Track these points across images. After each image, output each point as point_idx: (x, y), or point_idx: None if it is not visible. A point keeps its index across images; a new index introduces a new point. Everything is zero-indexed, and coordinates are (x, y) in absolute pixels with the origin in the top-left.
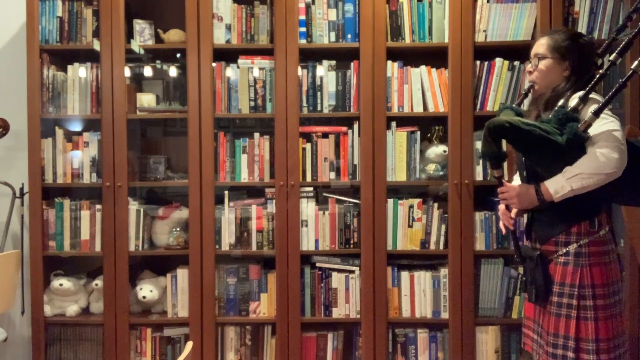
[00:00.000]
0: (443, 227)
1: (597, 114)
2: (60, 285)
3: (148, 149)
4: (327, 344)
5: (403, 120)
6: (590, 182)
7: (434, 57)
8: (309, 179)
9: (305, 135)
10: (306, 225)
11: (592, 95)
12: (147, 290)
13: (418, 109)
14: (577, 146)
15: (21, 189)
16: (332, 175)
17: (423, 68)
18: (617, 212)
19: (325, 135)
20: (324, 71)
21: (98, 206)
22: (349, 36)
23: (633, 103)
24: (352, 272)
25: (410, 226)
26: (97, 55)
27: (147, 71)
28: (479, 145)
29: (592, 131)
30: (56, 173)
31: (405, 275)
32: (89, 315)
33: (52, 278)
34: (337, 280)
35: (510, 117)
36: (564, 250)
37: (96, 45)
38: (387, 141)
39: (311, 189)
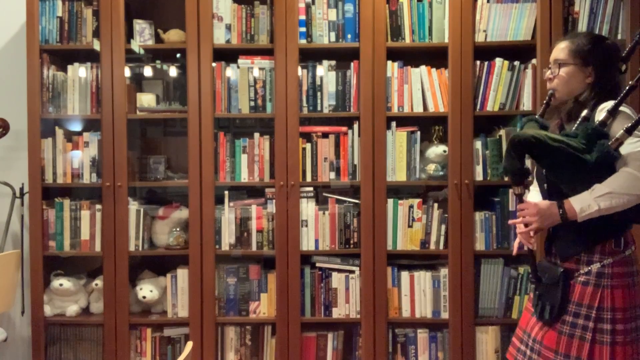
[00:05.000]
0: (443, 227)
1: (629, 131)
2: (60, 285)
3: (148, 149)
4: (327, 344)
5: (403, 120)
6: (619, 202)
7: (434, 57)
8: (309, 179)
9: (305, 135)
10: (306, 225)
11: (622, 108)
12: (147, 290)
13: (418, 109)
14: (606, 165)
15: (21, 189)
16: (332, 175)
17: (423, 68)
18: None
19: (325, 135)
20: (324, 71)
21: (98, 206)
22: (349, 36)
23: (633, 103)
24: (352, 272)
25: (410, 226)
26: (97, 55)
27: (147, 71)
28: (479, 145)
29: (623, 150)
30: (56, 173)
31: (405, 275)
32: (89, 315)
33: (52, 278)
34: (337, 280)
35: (537, 131)
36: (586, 270)
37: (96, 45)
38: (387, 141)
39: (311, 189)
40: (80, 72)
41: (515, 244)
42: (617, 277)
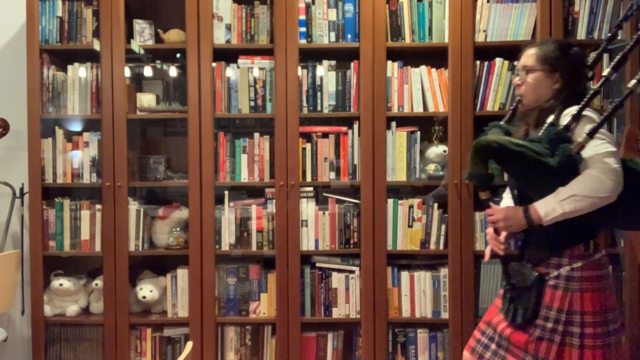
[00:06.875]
0: (443, 227)
1: (591, 135)
2: (60, 285)
3: (148, 149)
4: (327, 344)
5: (403, 120)
6: (583, 205)
7: (434, 57)
8: (309, 179)
9: (305, 135)
10: (306, 225)
11: (586, 113)
12: (147, 290)
13: (418, 109)
14: (569, 169)
15: (21, 189)
16: (332, 175)
17: (423, 68)
18: None
19: (325, 135)
20: (324, 71)
21: (98, 206)
22: (349, 36)
23: (633, 103)
24: (352, 272)
25: (410, 226)
26: (97, 55)
27: (147, 71)
28: None
29: (586, 153)
30: (56, 173)
31: (405, 275)
32: (89, 315)
33: (52, 278)
34: (337, 280)
35: (499, 137)
36: (556, 273)
37: (96, 45)
38: (387, 141)
39: (311, 189)
40: (80, 72)
41: (487, 251)
42: (586, 281)
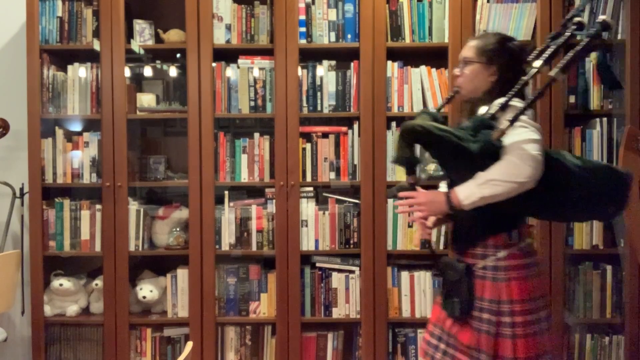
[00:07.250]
0: (443, 227)
1: (512, 122)
2: (60, 285)
3: (148, 149)
4: (327, 344)
5: (403, 120)
6: (501, 190)
7: (434, 57)
8: (309, 179)
9: (305, 135)
10: (306, 225)
11: (514, 103)
12: (147, 290)
13: (418, 109)
14: (490, 155)
15: (21, 189)
16: (332, 175)
17: (423, 68)
18: None
19: (325, 135)
20: (324, 71)
21: (98, 206)
22: (349, 36)
23: (633, 103)
24: (352, 272)
25: (410, 226)
26: (97, 55)
27: (147, 71)
28: None
29: (508, 140)
30: (56, 173)
31: (405, 275)
32: (89, 315)
33: (52, 278)
34: (337, 280)
35: (424, 122)
36: (482, 264)
37: (96, 45)
38: (387, 141)
39: (311, 189)
40: (80, 72)
41: (417, 237)
42: (513, 270)
